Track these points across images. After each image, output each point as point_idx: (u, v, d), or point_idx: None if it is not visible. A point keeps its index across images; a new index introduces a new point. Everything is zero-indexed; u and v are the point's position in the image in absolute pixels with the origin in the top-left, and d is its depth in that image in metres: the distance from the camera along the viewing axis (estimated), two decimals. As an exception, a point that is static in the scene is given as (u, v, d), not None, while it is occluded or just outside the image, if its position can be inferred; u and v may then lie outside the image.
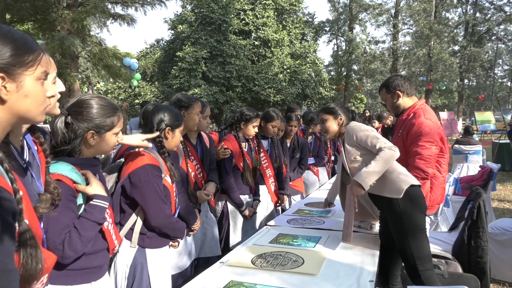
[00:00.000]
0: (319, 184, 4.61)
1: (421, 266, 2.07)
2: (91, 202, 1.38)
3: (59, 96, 1.13)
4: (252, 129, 3.05)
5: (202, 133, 2.77)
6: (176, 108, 2.12)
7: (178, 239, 2.05)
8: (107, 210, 1.44)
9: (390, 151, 2.13)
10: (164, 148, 1.93)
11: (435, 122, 2.49)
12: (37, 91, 0.90)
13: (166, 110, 1.99)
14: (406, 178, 2.17)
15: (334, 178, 4.74)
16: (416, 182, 2.19)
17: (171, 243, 2.01)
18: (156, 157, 1.84)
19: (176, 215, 1.99)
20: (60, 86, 1.19)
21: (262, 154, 3.28)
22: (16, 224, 0.82)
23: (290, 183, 3.94)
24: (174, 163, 2.13)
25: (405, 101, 2.61)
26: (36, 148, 1.13)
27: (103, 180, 1.57)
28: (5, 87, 0.83)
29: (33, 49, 0.89)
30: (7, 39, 0.84)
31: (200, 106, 2.53)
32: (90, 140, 1.42)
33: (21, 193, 0.85)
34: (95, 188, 1.39)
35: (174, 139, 2.01)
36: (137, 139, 1.76)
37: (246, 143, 3.12)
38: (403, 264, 2.24)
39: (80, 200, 1.37)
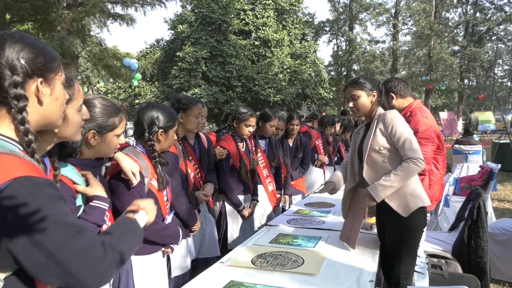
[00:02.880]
0: (322, 183, 4.62)
1: (404, 280, 2.08)
2: (91, 203, 1.35)
3: (83, 123, 1.16)
4: (246, 128, 2.99)
5: (200, 133, 2.76)
6: (169, 107, 2.02)
7: (171, 246, 1.93)
8: (107, 213, 1.42)
9: (414, 165, 1.99)
10: (155, 152, 1.82)
11: (431, 120, 2.55)
12: (63, 94, 0.97)
13: (159, 111, 1.88)
14: (417, 199, 2.06)
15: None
16: (426, 203, 2.09)
17: (163, 249, 1.90)
18: (139, 160, 1.74)
19: (168, 221, 1.91)
20: (85, 114, 1.20)
21: (259, 155, 3.27)
22: None
23: (292, 182, 3.94)
24: (174, 164, 2.10)
25: (399, 102, 2.64)
26: (50, 171, 1.14)
27: (103, 182, 1.55)
28: (42, 91, 0.90)
29: (56, 57, 0.96)
30: (38, 47, 0.90)
31: (200, 108, 2.50)
32: (91, 140, 1.41)
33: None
34: (96, 189, 1.37)
35: (168, 140, 1.91)
36: (130, 165, 1.65)
37: (244, 143, 3.11)
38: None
39: (79, 201, 1.35)
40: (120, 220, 1.12)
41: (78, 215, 1.33)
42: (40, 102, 0.90)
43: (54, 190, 0.83)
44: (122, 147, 1.84)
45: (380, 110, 2.20)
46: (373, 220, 2.51)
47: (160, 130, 1.86)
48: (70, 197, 1.29)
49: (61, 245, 0.79)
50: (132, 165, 1.66)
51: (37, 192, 0.78)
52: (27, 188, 0.77)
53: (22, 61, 0.85)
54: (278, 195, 3.50)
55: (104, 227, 1.42)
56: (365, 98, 2.16)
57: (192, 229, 2.31)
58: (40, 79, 0.89)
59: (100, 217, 1.36)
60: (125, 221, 1.11)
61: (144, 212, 1.18)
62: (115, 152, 1.58)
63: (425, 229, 2.43)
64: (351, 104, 2.21)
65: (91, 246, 0.84)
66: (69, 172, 1.32)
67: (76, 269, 0.80)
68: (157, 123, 1.85)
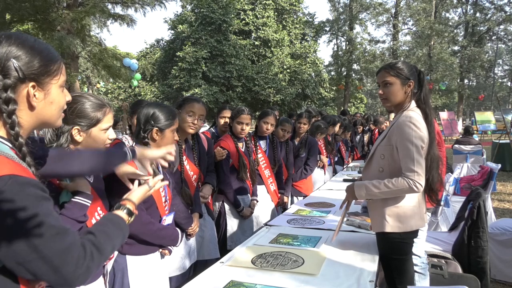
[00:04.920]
0: (322, 183, 4.60)
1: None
2: (72, 199, 1.35)
3: (65, 107, 1.14)
4: (237, 126, 2.93)
5: (200, 134, 2.74)
6: (170, 107, 1.95)
7: (169, 248, 1.90)
8: (100, 211, 1.41)
9: (409, 187, 1.79)
10: None
11: None
12: (60, 98, 0.97)
13: (156, 108, 1.82)
14: (395, 223, 1.90)
15: (335, 178, 4.77)
16: (407, 228, 1.91)
17: (161, 250, 1.87)
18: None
19: (168, 222, 1.88)
20: (68, 95, 1.20)
21: (260, 155, 3.25)
22: None
23: (293, 183, 3.89)
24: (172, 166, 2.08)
25: None
26: None
27: (99, 180, 1.54)
28: (34, 95, 0.89)
29: (56, 59, 0.94)
30: (35, 50, 0.89)
31: (193, 105, 2.38)
32: (76, 137, 1.40)
33: None
34: (78, 185, 1.36)
35: (165, 140, 1.83)
36: (131, 171, 1.55)
37: (244, 143, 3.09)
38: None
39: (65, 198, 1.34)
40: (106, 218, 1.11)
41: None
42: (31, 107, 0.90)
43: (39, 190, 0.83)
44: (114, 144, 1.78)
45: (412, 105, 1.92)
46: None
47: (155, 128, 1.81)
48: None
49: (41, 244, 0.80)
50: (132, 169, 1.57)
51: (21, 191, 0.79)
52: (12, 186, 0.78)
53: (15, 64, 0.85)
54: (279, 195, 3.47)
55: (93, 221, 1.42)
56: (399, 87, 1.89)
57: (188, 232, 2.24)
58: (32, 83, 0.88)
59: (79, 213, 1.34)
60: (110, 219, 1.11)
61: (132, 207, 1.21)
62: (107, 147, 1.53)
63: (421, 236, 2.37)
64: (380, 91, 1.95)
65: (71, 246, 0.85)
66: None
67: (56, 265, 0.82)
68: (152, 121, 1.80)
